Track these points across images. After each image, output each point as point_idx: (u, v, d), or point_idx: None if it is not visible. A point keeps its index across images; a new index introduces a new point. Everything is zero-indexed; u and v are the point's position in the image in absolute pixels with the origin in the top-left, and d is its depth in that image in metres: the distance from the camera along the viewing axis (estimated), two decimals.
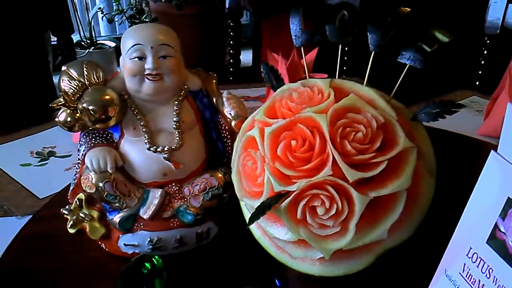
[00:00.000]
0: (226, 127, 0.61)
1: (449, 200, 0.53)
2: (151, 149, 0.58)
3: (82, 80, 0.57)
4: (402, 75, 0.50)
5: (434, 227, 0.50)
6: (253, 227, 0.53)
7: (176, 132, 0.59)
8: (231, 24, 1.52)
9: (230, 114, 0.60)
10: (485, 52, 1.29)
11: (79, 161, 0.59)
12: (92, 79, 0.58)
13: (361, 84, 0.51)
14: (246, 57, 1.91)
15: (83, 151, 0.58)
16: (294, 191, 0.45)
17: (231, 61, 1.56)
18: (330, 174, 0.44)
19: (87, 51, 1.94)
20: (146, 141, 0.58)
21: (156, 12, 2.00)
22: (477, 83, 1.33)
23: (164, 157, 0.57)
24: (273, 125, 0.48)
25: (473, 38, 1.34)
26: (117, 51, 2.06)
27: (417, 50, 0.49)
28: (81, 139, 0.59)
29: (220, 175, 0.60)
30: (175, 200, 0.59)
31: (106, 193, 0.57)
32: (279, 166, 0.46)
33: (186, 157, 0.59)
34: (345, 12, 0.53)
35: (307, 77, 0.55)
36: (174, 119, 0.59)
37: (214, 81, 0.63)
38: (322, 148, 0.45)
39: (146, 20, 2.00)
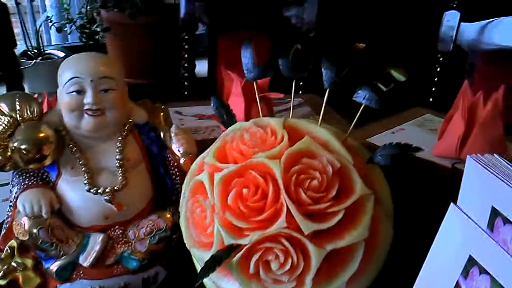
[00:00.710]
0: (175, 164, 0.57)
1: (407, 234, 0.51)
2: (91, 190, 0.53)
3: (14, 115, 0.52)
4: (357, 115, 0.48)
5: (392, 274, 0.48)
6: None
7: (119, 171, 0.54)
8: (186, 37, 1.48)
9: (178, 151, 0.56)
10: (438, 69, 1.31)
11: (11, 203, 0.54)
12: (25, 114, 0.52)
13: (316, 123, 0.49)
14: (203, 67, 1.85)
15: (16, 193, 0.53)
16: (246, 245, 0.42)
17: (186, 74, 1.52)
18: (284, 226, 0.41)
19: (33, 61, 1.84)
20: (85, 181, 0.53)
21: (108, 21, 1.92)
22: (431, 100, 1.34)
23: (105, 199, 0.53)
24: (223, 171, 0.44)
25: (426, 55, 1.36)
26: None
27: (372, 89, 0.47)
28: (14, 179, 0.54)
29: (168, 215, 0.56)
30: (119, 245, 0.54)
31: (41, 240, 0.51)
32: (230, 216, 0.43)
33: (130, 197, 0.54)
34: (299, 46, 0.51)
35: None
36: (117, 157, 0.54)
37: (161, 113, 0.59)
38: (276, 197, 0.42)
39: (98, 29, 1.92)
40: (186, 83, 1.52)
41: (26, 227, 0.51)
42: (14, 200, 0.53)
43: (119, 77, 0.54)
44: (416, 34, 1.76)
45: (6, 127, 0.52)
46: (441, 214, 0.43)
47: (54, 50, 2.08)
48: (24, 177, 0.53)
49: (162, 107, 0.59)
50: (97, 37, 1.95)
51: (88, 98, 0.51)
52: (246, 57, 0.52)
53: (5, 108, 0.52)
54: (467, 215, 0.37)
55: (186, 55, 1.49)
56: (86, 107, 0.52)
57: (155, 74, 2.05)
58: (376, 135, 1.10)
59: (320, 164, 0.43)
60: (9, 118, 0.52)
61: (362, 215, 0.43)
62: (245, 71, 0.52)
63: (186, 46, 1.48)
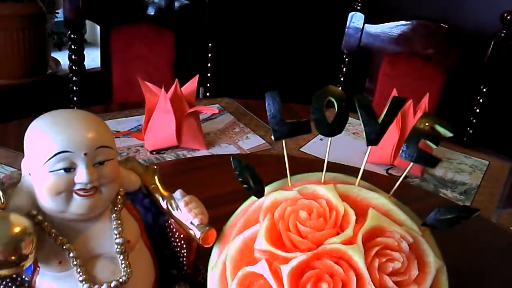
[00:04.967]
0: (182, 236, 0.48)
1: None
2: None
3: None
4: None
5: None
6: None
7: (121, 258, 0.43)
8: (72, 36, 1.28)
9: (191, 223, 0.46)
10: (344, 69, 1.34)
11: None
12: None
13: (363, 187, 0.44)
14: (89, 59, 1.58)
15: None
16: None
17: (74, 78, 1.32)
18: None
19: None
20: (80, 278, 0.41)
21: None
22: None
23: None
24: (291, 262, 0.37)
25: (332, 55, 1.38)
26: None
27: (420, 147, 0.44)
28: None
29: None
30: None
31: None
32: None
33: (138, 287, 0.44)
34: (332, 99, 0.45)
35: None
36: (117, 241, 0.43)
37: (156, 176, 0.48)
38: None
39: None
40: (75, 87, 1.33)
41: None
42: None
43: (112, 141, 0.43)
44: (321, 35, 1.79)
45: None
46: None
47: None
48: None
49: (155, 167, 0.49)
50: None
51: (81, 177, 0.40)
52: (272, 110, 0.44)
53: None
54: None
55: (73, 57, 1.30)
56: (78, 186, 0.40)
57: (23, 73, 1.76)
58: (306, 144, 1.09)
59: (395, 242, 0.39)
60: None
61: None
62: (272, 128, 0.44)
63: (73, 46, 1.29)
